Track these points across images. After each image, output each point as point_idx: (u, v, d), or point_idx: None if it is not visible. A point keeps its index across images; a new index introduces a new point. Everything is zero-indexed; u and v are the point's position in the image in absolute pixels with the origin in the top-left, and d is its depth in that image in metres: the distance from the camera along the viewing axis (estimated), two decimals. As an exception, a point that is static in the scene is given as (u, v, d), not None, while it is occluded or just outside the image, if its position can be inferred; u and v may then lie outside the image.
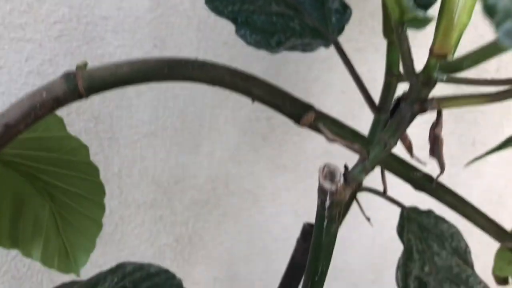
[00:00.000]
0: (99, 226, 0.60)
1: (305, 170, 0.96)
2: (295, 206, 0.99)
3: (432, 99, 0.36)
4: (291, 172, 0.96)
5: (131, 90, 0.77)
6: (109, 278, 0.32)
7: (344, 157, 0.66)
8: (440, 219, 0.42)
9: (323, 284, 0.31)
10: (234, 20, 0.41)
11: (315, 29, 0.43)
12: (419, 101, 0.35)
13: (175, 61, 0.36)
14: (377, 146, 0.33)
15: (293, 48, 0.44)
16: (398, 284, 0.42)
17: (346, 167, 0.28)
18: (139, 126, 0.81)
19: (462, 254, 0.41)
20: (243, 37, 0.41)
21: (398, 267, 0.42)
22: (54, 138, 0.45)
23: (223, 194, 0.92)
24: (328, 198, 0.26)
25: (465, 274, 0.40)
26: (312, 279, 0.30)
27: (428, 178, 0.41)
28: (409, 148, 0.38)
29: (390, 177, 0.61)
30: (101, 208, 0.58)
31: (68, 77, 0.35)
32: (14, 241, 0.56)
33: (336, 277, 1.14)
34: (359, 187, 0.45)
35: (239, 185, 0.93)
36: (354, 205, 1.05)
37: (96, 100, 0.76)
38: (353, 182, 0.26)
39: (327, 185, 0.26)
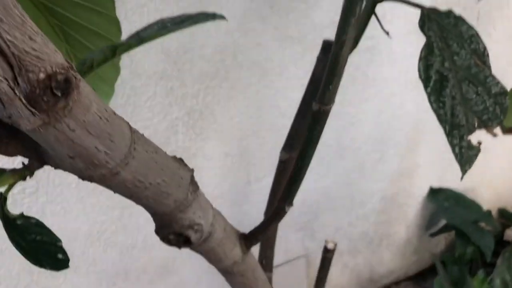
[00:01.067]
0: (117, 69, 0.60)
1: (312, 42, 0.96)
2: (303, 80, 0.99)
3: None
4: (298, 44, 0.95)
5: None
6: (148, 28, 0.32)
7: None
8: (460, 20, 0.41)
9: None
10: None
11: None
12: None
13: None
14: None
15: None
16: (420, 76, 0.43)
17: None
18: (146, -12, 0.79)
19: (481, 55, 0.41)
20: None
21: (420, 59, 0.43)
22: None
23: (232, 66, 0.92)
24: None
25: (483, 75, 0.41)
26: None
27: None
28: None
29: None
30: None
31: None
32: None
33: (342, 155, 1.17)
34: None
35: (247, 57, 0.92)
36: (361, 80, 1.06)
37: None
38: None
39: None
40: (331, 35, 1.00)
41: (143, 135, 0.31)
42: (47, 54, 0.20)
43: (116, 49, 0.31)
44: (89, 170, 0.26)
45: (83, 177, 0.29)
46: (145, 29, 0.32)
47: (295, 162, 0.39)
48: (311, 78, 0.49)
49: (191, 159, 0.98)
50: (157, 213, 0.37)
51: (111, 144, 0.26)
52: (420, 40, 1.09)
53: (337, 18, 0.99)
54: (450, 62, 0.40)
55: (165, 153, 0.32)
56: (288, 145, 0.54)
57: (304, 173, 0.42)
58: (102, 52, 0.30)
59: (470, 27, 0.42)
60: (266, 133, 1.04)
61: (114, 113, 0.27)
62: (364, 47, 1.03)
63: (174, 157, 0.34)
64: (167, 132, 0.93)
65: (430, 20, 0.40)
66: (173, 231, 0.39)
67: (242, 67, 0.93)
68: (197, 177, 1.06)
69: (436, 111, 0.39)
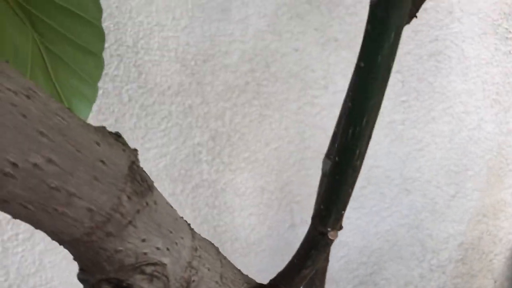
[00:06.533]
0: (99, 61, 0.46)
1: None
2: (354, 95, 0.81)
3: None
4: (346, 49, 0.77)
5: None
6: None
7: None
8: None
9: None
10: None
11: None
12: None
13: None
14: None
15: None
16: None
17: None
18: (152, -20, 0.66)
19: None
20: None
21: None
22: None
23: (264, 78, 0.76)
24: None
25: None
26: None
27: None
28: None
29: None
30: (98, 32, 0.44)
31: None
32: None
33: (408, 191, 0.95)
34: None
35: (282, 66, 0.76)
36: (427, 95, 0.85)
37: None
38: None
39: None
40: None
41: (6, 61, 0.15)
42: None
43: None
44: None
45: None
46: None
47: (342, 130, 0.19)
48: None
49: (219, 195, 0.81)
50: (63, 240, 0.20)
51: None
52: (498, 42, 0.86)
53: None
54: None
55: (61, 105, 0.17)
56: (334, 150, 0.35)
57: (363, 150, 0.21)
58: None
59: None
60: (311, 162, 0.85)
61: None
62: (428, 52, 0.83)
63: (96, 127, 0.18)
64: (188, 162, 0.77)
65: None
66: (104, 277, 0.21)
67: (277, 80, 0.77)
68: (228, 219, 0.89)
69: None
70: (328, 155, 0.38)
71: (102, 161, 0.18)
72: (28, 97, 0.15)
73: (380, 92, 0.17)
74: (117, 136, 0.20)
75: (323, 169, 0.41)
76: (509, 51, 0.88)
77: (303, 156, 0.84)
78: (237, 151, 0.80)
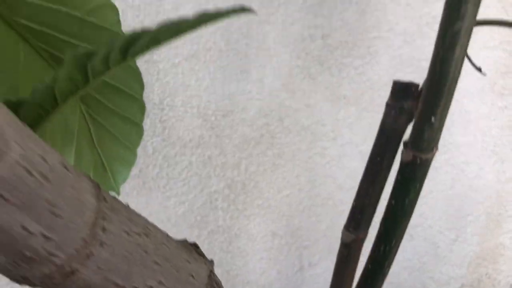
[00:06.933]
0: (139, 130, 0.51)
1: (370, 102, 0.83)
2: (360, 146, 0.86)
3: None
4: (354, 105, 0.83)
5: (167, 2, 0.69)
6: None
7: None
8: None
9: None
10: None
11: None
12: None
13: None
14: None
15: None
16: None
17: None
18: (179, 46, 0.72)
19: None
20: None
21: None
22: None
23: (277, 131, 0.81)
24: None
25: None
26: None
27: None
28: None
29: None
30: (140, 105, 0.49)
31: None
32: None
33: (411, 235, 0.99)
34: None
35: (294, 121, 0.81)
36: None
37: (128, 14, 0.69)
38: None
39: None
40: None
41: (126, 205, 0.20)
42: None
43: (128, 49, 0.19)
44: (19, 268, 0.15)
45: (15, 278, 0.18)
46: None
47: (375, 246, 0.25)
48: (380, 130, 0.36)
49: (233, 240, 0.86)
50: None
51: (56, 221, 0.15)
52: (495, 98, 0.93)
53: (397, 74, 0.87)
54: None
55: (163, 233, 0.22)
56: (354, 223, 0.40)
57: (391, 262, 0.27)
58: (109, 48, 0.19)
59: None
60: (321, 209, 0.90)
61: (66, 167, 0.16)
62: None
63: (182, 242, 0.23)
64: (205, 209, 0.82)
65: None
66: None
67: (290, 132, 0.82)
68: (240, 263, 0.94)
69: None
70: (347, 227, 0.42)
71: (192, 276, 0.23)
72: (146, 235, 0.21)
73: (406, 221, 0.22)
74: (196, 247, 0.25)
75: (342, 239, 0.45)
76: (505, 106, 0.94)
77: (313, 202, 0.89)
78: (251, 198, 0.85)
